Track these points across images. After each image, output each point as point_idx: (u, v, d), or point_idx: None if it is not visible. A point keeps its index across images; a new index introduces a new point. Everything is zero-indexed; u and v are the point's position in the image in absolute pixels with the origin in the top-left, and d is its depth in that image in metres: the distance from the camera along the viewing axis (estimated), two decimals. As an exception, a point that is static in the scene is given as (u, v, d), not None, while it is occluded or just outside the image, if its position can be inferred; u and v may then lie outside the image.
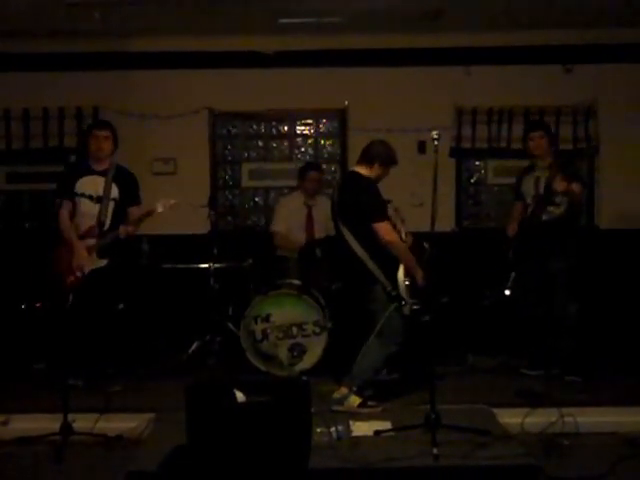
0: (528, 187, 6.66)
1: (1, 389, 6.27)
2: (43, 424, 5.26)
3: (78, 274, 6.05)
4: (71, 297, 5.69)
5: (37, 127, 8.28)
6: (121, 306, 6.65)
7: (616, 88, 8.17)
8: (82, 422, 5.20)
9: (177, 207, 6.30)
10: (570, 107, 8.29)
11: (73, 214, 6.32)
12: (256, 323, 6.56)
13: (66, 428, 5.04)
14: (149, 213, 6.27)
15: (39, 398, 5.92)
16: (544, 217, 6.50)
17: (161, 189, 7.42)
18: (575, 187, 6.36)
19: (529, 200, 6.65)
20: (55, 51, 8.12)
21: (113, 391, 6.06)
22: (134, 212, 6.37)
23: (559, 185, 6.33)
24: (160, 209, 6.26)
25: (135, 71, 8.31)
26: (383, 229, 5.55)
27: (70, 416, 5.07)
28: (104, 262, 6.21)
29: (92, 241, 6.19)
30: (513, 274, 6.50)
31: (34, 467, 4.88)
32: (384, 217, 5.61)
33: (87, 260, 6.16)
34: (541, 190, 6.52)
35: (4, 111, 8.27)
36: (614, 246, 7.94)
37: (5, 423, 5.47)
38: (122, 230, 6.17)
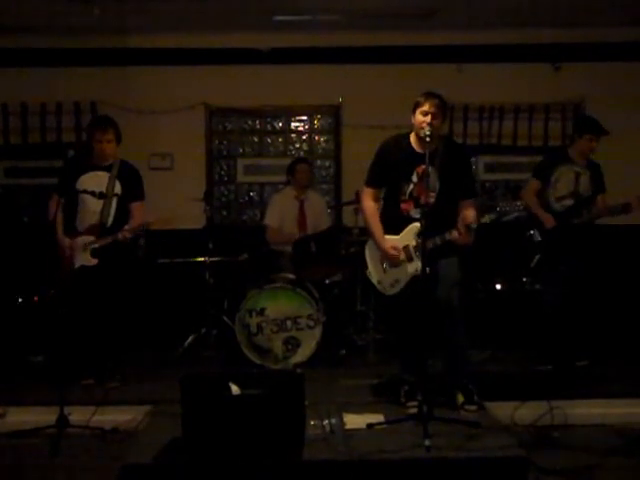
0: (566, 180, 6.56)
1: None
2: (39, 417, 5.27)
3: (70, 267, 5.98)
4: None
5: (35, 122, 8.31)
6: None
7: (604, 86, 8.25)
8: (78, 415, 5.22)
9: (171, 223, 6.29)
10: (559, 104, 8.38)
11: (76, 210, 6.24)
12: (251, 317, 6.60)
13: (62, 421, 5.06)
14: (147, 225, 6.22)
15: (35, 391, 5.96)
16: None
17: (158, 184, 7.46)
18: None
19: (564, 192, 6.55)
20: (53, 47, 8.17)
21: (111, 387, 6.10)
22: (137, 209, 6.32)
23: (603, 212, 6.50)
24: (155, 226, 6.25)
25: (132, 67, 8.36)
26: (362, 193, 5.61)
27: (66, 409, 5.10)
28: (95, 262, 6.18)
29: (91, 238, 6.16)
30: (538, 256, 6.49)
31: (30, 459, 4.89)
32: (367, 182, 5.57)
33: (80, 256, 6.16)
34: (582, 188, 6.52)
35: (2, 106, 8.31)
36: (605, 241, 7.96)
37: (2, 416, 5.49)
38: (121, 236, 6.12)
